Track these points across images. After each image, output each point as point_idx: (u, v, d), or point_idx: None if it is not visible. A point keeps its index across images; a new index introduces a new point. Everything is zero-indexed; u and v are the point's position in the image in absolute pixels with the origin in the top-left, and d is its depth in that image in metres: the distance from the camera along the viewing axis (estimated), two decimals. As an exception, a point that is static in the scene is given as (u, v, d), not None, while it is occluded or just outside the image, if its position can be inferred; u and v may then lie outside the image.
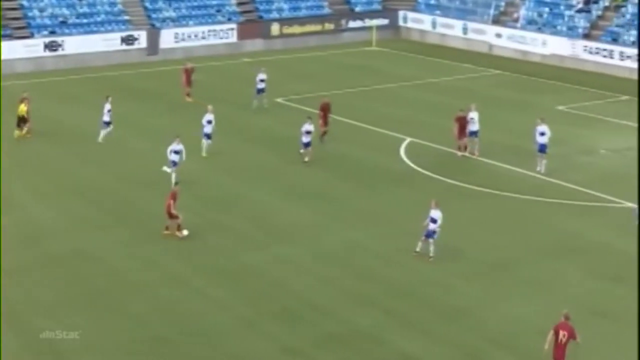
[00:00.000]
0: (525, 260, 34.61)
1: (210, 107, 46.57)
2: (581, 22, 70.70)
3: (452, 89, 62.04)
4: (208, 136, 45.92)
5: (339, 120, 51.39)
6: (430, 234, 33.97)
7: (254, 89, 55.35)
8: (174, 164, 41.07)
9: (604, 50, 67.36)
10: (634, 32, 67.00)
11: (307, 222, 38.16)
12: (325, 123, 48.17)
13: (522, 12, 74.25)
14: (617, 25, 68.94)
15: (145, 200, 40.08)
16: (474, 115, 46.13)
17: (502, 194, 41.18)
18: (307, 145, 45.04)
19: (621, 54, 66.19)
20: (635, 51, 65.34)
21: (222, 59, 70.95)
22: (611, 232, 37.23)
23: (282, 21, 77.12)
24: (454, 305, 30.89)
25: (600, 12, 70.76)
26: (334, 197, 40.90)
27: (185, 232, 35.97)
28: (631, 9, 69.09)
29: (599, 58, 67.42)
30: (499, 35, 74.26)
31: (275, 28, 76.58)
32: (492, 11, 76.21)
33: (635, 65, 64.83)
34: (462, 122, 46.13)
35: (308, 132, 44.98)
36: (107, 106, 48.10)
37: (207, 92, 57.65)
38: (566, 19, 71.83)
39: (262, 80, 55.30)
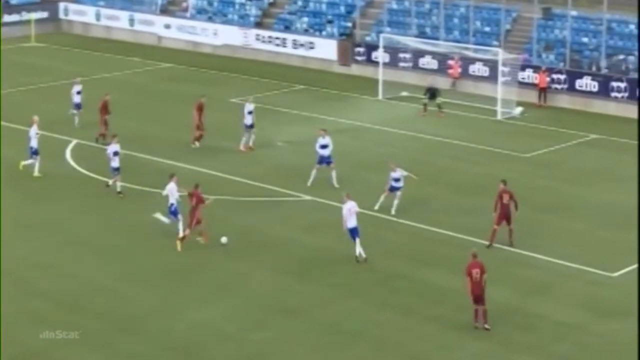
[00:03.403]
0: (206, 262, 33.78)
1: (36, 117, 42.54)
2: (253, 10, 69.49)
3: (121, 85, 59.16)
4: (36, 152, 41.66)
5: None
6: (354, 234, 32.98)
7: (71, 103, 49.85)
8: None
9: (277, 38, 66.18)
10: (306, 19, 66.45)
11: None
12: (104, 123, 45.91)
13: (191, 1, 72.25)
14: (289, 13, 68.07)
15: None
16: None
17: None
18: (116, 170, 39.74)
19: (294, 42, 65.26)
20: (307, 39, 64.69)
21: None
22: (291, 226, 36.93)
23: None
24: (132, 315, 29.85)
25: (272, 0, 69.65)
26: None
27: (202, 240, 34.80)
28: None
29: (271, 47, 66.26)
30: (167, 26, 71.89)
31: None
32: (159, 1, 73.82)
33: (307, 53, 64.30)
34: (201, 110, 45.90)
35: (116, 154, 39.73)
36: None
37: None
38: (237, 7, 70.40)
39: (78, 93, 49.56)
